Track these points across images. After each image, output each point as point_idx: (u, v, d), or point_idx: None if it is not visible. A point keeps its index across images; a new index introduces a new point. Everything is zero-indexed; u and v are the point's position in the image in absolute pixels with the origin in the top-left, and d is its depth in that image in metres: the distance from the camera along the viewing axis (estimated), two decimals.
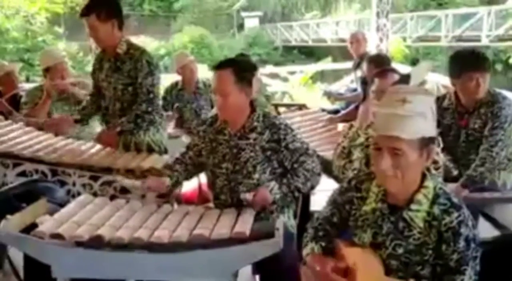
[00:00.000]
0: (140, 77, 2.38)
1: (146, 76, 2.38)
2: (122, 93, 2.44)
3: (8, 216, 1.59)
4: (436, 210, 1.23)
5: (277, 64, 15.42)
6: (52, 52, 3.25)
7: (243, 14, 21.30)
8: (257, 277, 2.11)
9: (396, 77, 2.07)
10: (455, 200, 1.24)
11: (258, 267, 1.80)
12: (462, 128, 2.23)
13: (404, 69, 4.36)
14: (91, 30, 2.37)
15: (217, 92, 1.83)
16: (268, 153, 1.84)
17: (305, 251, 1.46)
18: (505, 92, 2.32)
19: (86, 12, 2.34)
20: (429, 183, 1.26)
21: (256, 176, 1.83)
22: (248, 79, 1.84)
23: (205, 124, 1.96)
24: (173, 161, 2.04)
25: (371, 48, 5.27)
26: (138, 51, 2.42)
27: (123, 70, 2.41)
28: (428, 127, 1.21)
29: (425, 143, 1.21)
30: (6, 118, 2.62)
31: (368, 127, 1.96)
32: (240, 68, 1.83)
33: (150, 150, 2.47)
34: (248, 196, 1.74)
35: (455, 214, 1.20)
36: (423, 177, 1.26)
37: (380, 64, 3.04)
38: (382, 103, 1.27)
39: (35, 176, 2.17)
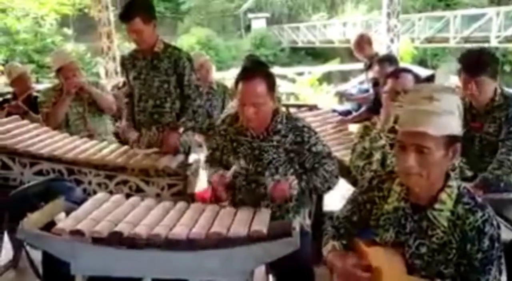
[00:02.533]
0: (187, 75, 2.47)
1: (191, 73, 2.48)
2: (157, 90, 2.48)
3: (28, 214, 1.61)
4: (460, 209, 1.22)
5: (283, 65, 15.43)
6: (63, 52, 3.27)
7: (250, 15, 21.36)
8: (271, 276, 2.12)
9: (410, 77, 2.06)
10: (479, 199, 1.23)
11: (273, 265, 1.81)
12: (476, 131, 2.21)
13: (418, 70, 4.35)
14: (135, 33, 2.39)
15: (249, 103, 1.75)
16: (291, 155, 1.84)
17: (326, 249, 1.45)
18: None
19: (130, 16, 2.36)
20: (453, 182, 1.25)
21: (278, 177, 1.82)
22: (275, 84, 1.84)
23: (225, 123, 1.95)
24: (208, 163, 2.02)
25: (382, 49, 5.25)
26: (177, 50, 2.50)
27: (160, 68, 2.46)
28: (455, 124, 1.19)
29: (451, 141, 1.19)
30: (23, 119, 2.64)
31: (390, 130, 1.95)
32: (269, 76, 1.81)
33: (176, 150, 2.48)
34: (270, 184, 1.73)
35: (480, 214, 1.20)
36: (447, 176, 1.25)
37: (391, 60, 3.06)
38: (408, 100, 1.25)
39: (52, 175, 2.19)
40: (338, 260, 1.33)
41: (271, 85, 1.79)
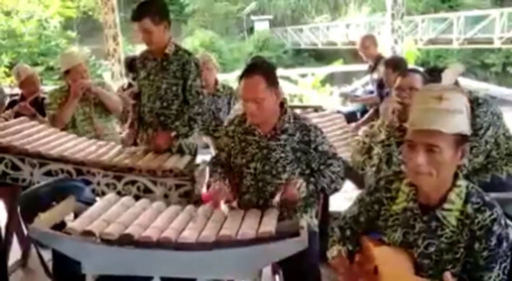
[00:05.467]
0: (190, 80, 2.44)
1: (195, 79, 2.45)
2: (165, 92, 2.48)
3: (40, 214, 1.63)
4: (469, 208, 1.22)
5: (287, 67, 15.45)
6: (72, 54, 3.29)
7: (253, 17, 21.41)
8: (277, 277, 2.13)
9: (417, 76, 2.09)
10: (487, 198, 1.24)
11: (281, 264, 1.83)
12: None
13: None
14: (144, 34, 2.40)
15: (249, 99, 1.80)
16: (298, 154, 1.86)
17: (331, 253, 1.47)
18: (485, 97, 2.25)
19: (139, 16, 2.37)
20: (461, 182, 1.26)
21: (285, 176, 1.85)
22: (276, 81, 1.86)
23: (233, 124, 1.98)
24: (211, 164, 2.04)
25: (386, 50, 5.26)
26: (186, 54, 2.49)
27: (169, 70, 2.46)
28: (464, 123, 1.20)
29: (461, 140, 1.20)
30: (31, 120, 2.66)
31: (389, 125, 1.98)
32: (269, 72, 1.84)
33: (181, 153, 2.50)
34: (277, 198, 1.75)
35: (488, 213, 1.20)
36: (455, 176, 1.26)
37: (397, 67, 3.07)
38: (418, 100, 1.26)
39: (61, 176, 2.21)
40: (343, 270, 1.36)
41: (271, 80, 1.81)
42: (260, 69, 1.82)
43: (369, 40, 3.93)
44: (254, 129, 1.90)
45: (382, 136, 2.00)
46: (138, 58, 2.63)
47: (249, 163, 1.89)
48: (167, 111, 2.50)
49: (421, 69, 2.65)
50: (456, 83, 2.04)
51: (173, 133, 2.46)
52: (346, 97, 4.36)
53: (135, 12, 2.40)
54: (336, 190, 1.91)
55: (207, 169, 2.11)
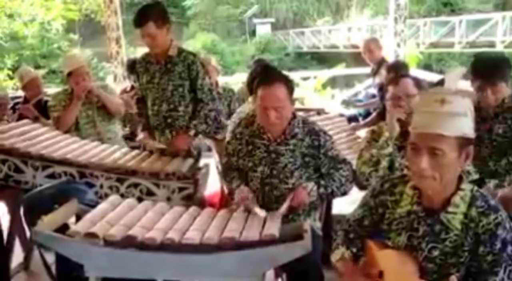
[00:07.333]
0: (200, 79, 2.49)
1: (204, 77, 2.50)
2: (171, 94, 2.50)
3: (43, 217, 1.63)
4: (473, 212, 1.22)
5: (288, 70, 15.44)
6: (74, 57, 3.30)
7: (255, 20, 21.47)
8: (279, 280, 2.12)
9: (409, 81, 2.06)
10: (492, 202, 1.23)
11: (284, 267, 1.82)
12: (485, 133, 2.21)
13: (428, 75, 4.34)
14: (148, 38, 2.43)
15: (271, 107, 1.78)
16: (307, 159, 1.86)
17: (334, 256, 1.46)
18: None
19: (143, 21, 2.39)
20: (466, 185, 1.25)
21: (292, 181, 1.85)
22: (293, 87, 1.87)
23: (240, 126, 1.98)
24: (226, 172, 2.03)
25: (388, 54, 5.27)
26: (191, 55, 2.52)
27: (175, 72, 2.49)
28: (467, 126, 1.20)
29: (464, 143, 1.20)
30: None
31: (398, 138, 1.95)
32: (287, 79, 1.85)
33: (190, 154, 2.51)
34: (284, 207, 1.75)
35: (493, 216, 1.20)
36: (460, 179, 1.25)
37: (398, 72, 3.06)
38: (420, 104, 1.26)
39: (64, 178, 2.21)
40: (347, 273, 1.36)
41: (291, 89, 1.83)
42: (280, 77, 1.83)
43: (373, 43, 3.94)
44: (263, 133, 1.90)
45: (390, 150, 1.98)
46: (139, 63, 2.64)
47: (256, 166, 1.89)
48: (175, 113, 2.53)
49: (425, 73, 2.64)
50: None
51: (192, 132, 2.49)
52: (347, 104, 4.37)
53: (138, 17, 2.42)
54: (344, 193, 1.92)
55: (223, 180, 2.10)
